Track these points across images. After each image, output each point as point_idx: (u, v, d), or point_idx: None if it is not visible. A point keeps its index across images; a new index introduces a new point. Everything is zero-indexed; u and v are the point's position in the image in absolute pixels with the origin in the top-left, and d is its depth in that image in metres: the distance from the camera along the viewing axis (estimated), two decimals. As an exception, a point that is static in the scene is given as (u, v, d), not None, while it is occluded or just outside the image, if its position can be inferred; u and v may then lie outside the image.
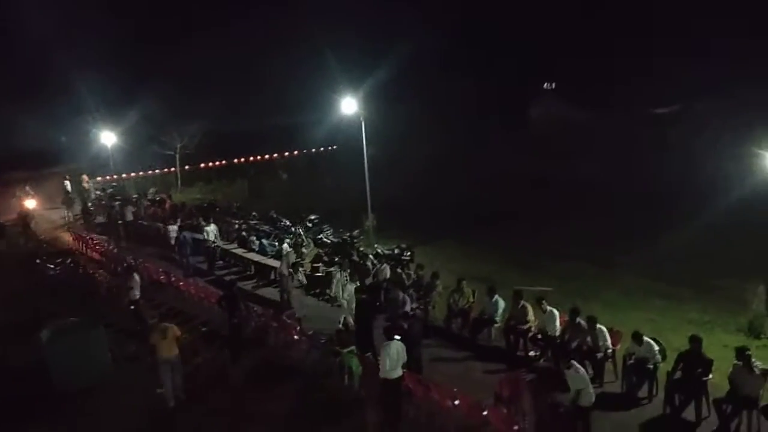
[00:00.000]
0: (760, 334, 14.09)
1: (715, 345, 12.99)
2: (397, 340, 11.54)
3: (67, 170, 36.61)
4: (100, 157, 38.54)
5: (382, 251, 21.10)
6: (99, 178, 38.64)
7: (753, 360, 10.76)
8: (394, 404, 11.47)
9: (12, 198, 33.07)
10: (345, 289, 16.06)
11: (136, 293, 16.43)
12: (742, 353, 10.82)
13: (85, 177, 35.76)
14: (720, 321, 15.22)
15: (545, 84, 65.00)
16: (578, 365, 10.39)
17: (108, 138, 35.64)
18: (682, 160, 33.09)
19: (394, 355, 11.22)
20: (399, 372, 11.35)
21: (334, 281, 16.42)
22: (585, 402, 9.89)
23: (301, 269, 19.99)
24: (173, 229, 24.30)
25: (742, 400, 10.50)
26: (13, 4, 53.84)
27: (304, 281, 19.75)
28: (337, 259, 19.86)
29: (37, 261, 22.29)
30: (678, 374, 11.31)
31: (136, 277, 16.76)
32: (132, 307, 16.43)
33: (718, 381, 11.36)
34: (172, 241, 23.91)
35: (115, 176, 38.55)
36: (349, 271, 16.94)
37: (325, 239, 23.55)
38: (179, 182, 41.04)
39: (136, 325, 16.09)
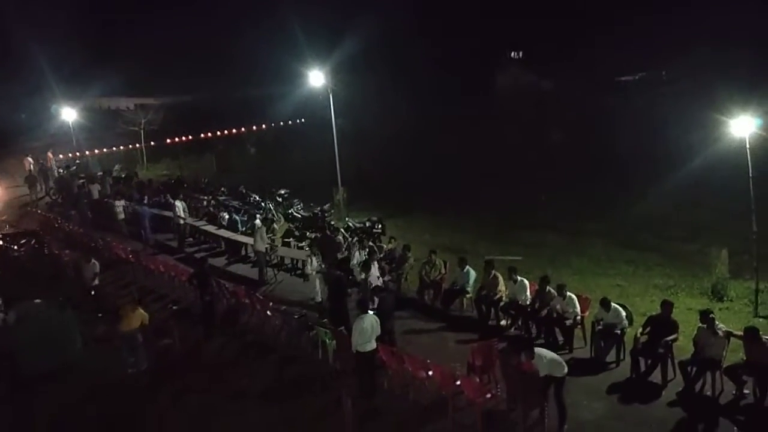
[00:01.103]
0: (723, 297, 14.47)
1: (680, 308, 13.29)
2: (371, 313, 11.61)
3: (28, 148, 35.59)
4: (60, 134, 37.56)
5: (353, 224, 21.09)
6: (61, 156, 37.68)
7: (716, 322, 11.07)
8: (368, 377, 11.58)
9: None
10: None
11: (96, 282, 16.21)
12: (706, 316, 11.12)
13: (49, 154, 34.85)
14: (684, 285, 15.58)
15: (512, 53, 65.02)
16: (541, 351, 10.16)
17: (69, 114, 34.76)
18: (647, 126, 33.53)
19: (367, 328, 11.29)
20: (373, 345, 11.43)
21: (354, 261, 16.00)
22: (557, 374, 10.03)
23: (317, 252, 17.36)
24: (119, 204, 24.04)
25: (706, 362, 10.81)
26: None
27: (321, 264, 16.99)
28: (357, 240, 18.61)
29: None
30: (644, 338, 11.62)
31: (95, 262, 16.53)
32: (93, 293, 16.25)
33: (682, 343, 11.70)
34: (120, 216, 23.78)
35: (77, 153, 37.65)
36: (368, 251, 16.18)
37: (295, 214, 23.42)
38: (144, 159, 40.26)
39: (99, 310, 15.80)
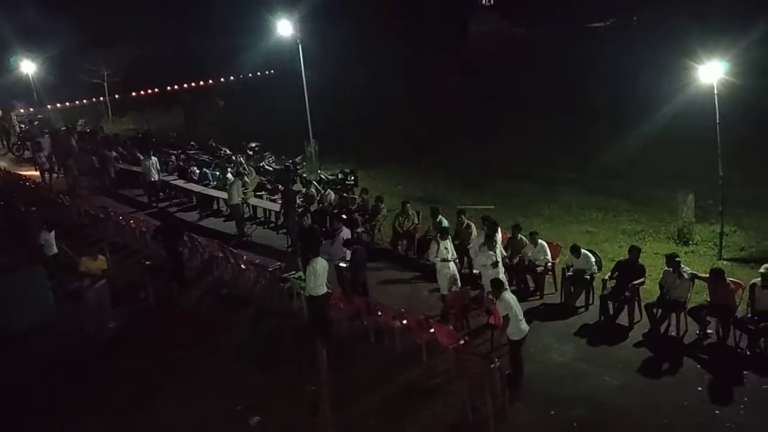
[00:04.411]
0: (689, 241, 14.82)
1: (647, 253, 13.62)
2: (321, 257, 11.86)
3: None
4: (19, 86, 36.26)
5: (325, 177, 21.00)
6: (22, 110, 36.56)
7: (682, 266, 11.38)
8: (323, 320, 11.91)
9: None
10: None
11: (54, 249, 15.28)
12: (672, 259, 11.41)
13: (19, 110, 33.88)
14: (651, 230, 15.92)
15: (483, 0, 64.08)
16: (508, 295, 10.18)
17: (28, 67, 33.60)
18: (618, 73, 33.50)
19: (320, 272, 11.57)
20: (324, 289, 11.77)
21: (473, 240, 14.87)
22: (514, 335, 10.06)
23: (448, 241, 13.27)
24: (42, 155, 24.77)
25: (671, 304, 11.15)
26: None
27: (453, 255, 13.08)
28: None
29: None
30: (613, 282, 11.91)
31: (49, 234, 15.35)
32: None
33: (649, 287, 12.04)
34: (44, 167, 24.78)
35: (39, 107, 36.53)
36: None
37: (267, 167, 23.21)
38: (110, 112, 39.26)
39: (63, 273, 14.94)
